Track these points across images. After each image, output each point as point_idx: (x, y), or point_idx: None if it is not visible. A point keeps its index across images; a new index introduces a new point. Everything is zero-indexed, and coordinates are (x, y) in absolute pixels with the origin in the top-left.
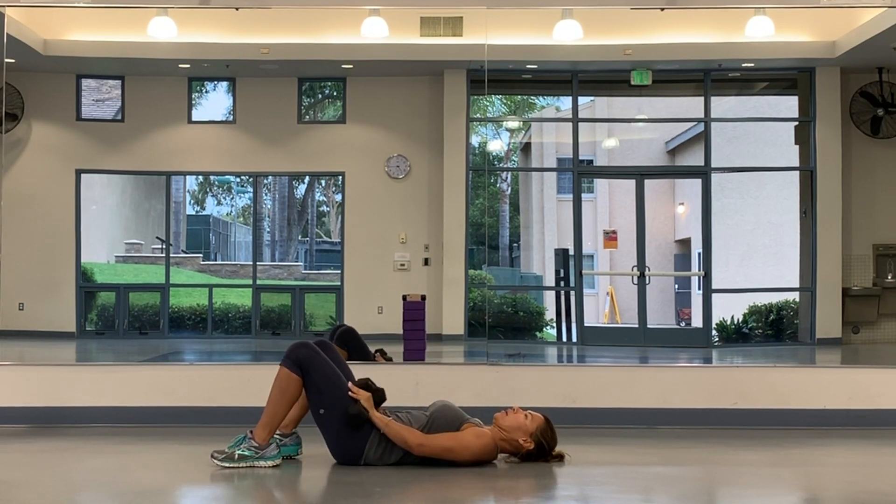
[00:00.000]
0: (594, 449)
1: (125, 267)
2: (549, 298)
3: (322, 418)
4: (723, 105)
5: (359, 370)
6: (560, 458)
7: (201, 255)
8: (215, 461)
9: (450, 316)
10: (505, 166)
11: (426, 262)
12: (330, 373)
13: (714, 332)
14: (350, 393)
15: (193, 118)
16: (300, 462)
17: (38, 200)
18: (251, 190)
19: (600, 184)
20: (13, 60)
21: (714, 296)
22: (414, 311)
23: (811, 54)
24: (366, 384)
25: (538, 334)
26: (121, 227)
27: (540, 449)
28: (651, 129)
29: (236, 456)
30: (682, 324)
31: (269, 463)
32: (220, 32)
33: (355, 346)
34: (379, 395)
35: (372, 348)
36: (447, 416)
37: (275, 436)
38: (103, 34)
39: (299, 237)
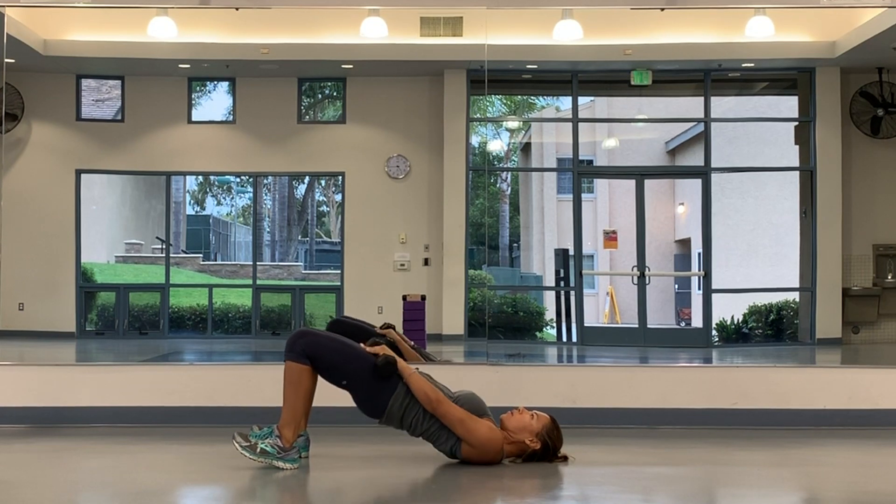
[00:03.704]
0: (594, 449)
1: (125, 267)
2: (549, 298)
3: (347, 387)
4: (723, 105)
5: None
6: (564, 459)
7: (201, 255)
8: (237, 445)
9: (450, 316)
10: (505, 166)
11: (426, 262)
12: (339, 347)
13: (714, 332)
14: (369, 350)
15: (193, 118)
16: (306, 462)
17: (38, 200)
18: (251, 190)
19: (600, 184)
20: (13, 60)
21: (714, 296)
22: (414, 311)
23: (811, 54)
24: (375, 341)
25: (538, 334)
26: (121, 227)
27: (545, 449)
28: (651, 129)
29: (258, 449)
30: (682, 324)
31: (289, 465)
32: (220, 32)
33: (349, 331)
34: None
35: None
36: (471, 405)
37: (298, 437)
38: (103, 34)
39: (299, 237)
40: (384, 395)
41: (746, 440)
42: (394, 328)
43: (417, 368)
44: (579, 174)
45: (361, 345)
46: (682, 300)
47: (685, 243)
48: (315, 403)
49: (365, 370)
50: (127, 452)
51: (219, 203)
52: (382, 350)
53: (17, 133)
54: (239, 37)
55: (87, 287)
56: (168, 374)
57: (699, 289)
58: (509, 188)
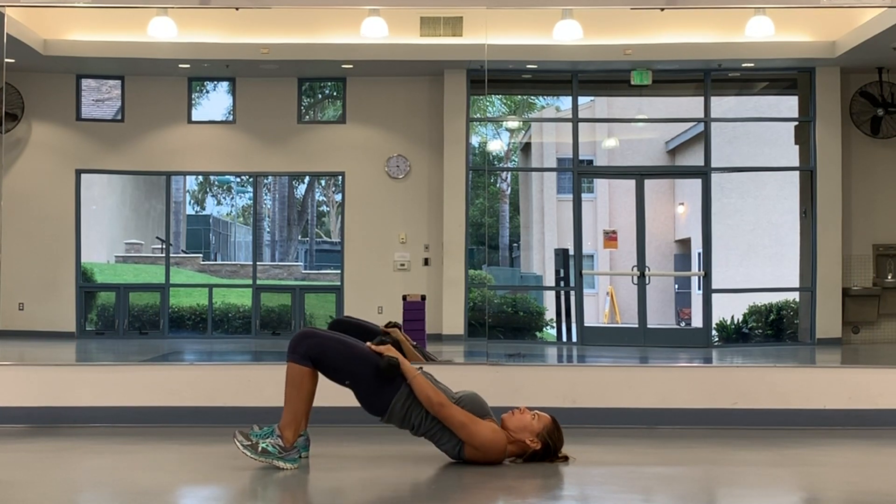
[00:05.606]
0: (594, 449)
1: (125, 267)
2: (549, 298)
3: (350, 386)
4: (723, 105)
5: None
6: (565, 459)
7: (201, 255)
8: (238, 444)
9: (450, 316)
10: (505, 166)
11: (426, 262)
12: (342, 348)
13: (714, 332)
14: (374, 349)
15: (193, 118)
16: (306, 462)
17: (38, 200)
18: (251, 190)
19: (600, 184)
20: (13, 60)
21: (714, 296)
22: (414, 311)
23: (811, 54)
24: (381, 340)
25: (538, 334)
26: (121, 227)
27: (546, 449)
28: (651, 129)
29: (259, 448)
30: (682, 324)
31: (289, 465)
32: (220, 32)
33: (352, 331)
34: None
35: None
36: (473, 406)
37: (299, 438)
38: (103, 34)
39: (299, 237)
40: (387, 395)
41: (746, 440)
42: (399, 327)
43: (421, 368)
44: (579, 174)
45: (367, 343)
46: (682, 300)
47: (685, 243)
48: (315, 403)
49: (368, 371)
50: (127, 452)
51: (219, 203)
52: (387, 350)
53: (17, 133)
54: (239, 37)
55: (87, 287)
56: (168, 374)
57: (699, 289)
58: (509, 188)
